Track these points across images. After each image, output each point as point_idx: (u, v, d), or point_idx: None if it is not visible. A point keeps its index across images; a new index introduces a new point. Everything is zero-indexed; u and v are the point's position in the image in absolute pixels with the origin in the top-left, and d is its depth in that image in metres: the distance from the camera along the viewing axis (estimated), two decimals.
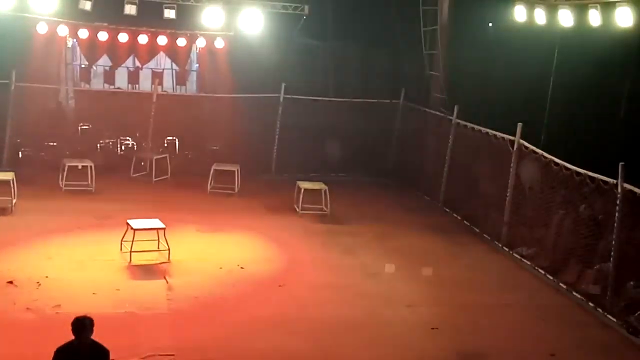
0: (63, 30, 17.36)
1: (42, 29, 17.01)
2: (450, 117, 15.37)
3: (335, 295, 10.38)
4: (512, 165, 13.00)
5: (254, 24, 17.04)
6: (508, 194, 13.06)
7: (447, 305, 10.30)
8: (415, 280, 11.19)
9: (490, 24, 18.68)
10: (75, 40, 18.71)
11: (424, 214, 15.03)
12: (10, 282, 9.84)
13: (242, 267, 11.17)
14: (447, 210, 15.20)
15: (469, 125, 14.67)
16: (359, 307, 10.04)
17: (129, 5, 16.17)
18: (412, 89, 17.75)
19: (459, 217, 14.68)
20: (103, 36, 17.47)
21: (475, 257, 12.65)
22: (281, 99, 17.15)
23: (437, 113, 16.39)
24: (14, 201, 13.15)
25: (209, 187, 15.35)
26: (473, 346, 9.05)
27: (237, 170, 15.54)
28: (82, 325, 6.10)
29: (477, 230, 13.85)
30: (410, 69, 18.24)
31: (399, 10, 18.21)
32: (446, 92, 16.63)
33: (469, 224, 14.23)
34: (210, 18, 16.74)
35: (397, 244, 12.89)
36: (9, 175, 13.39)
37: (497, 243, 13.16)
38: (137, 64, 19.30)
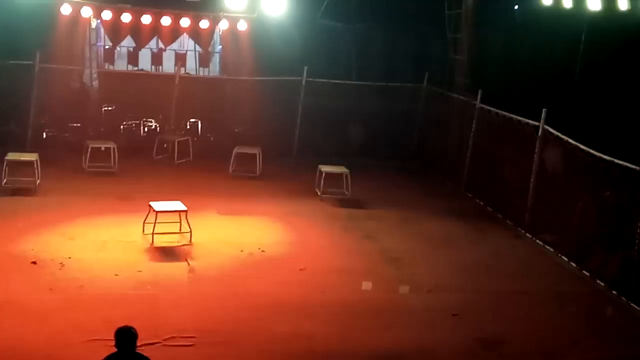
0: (87, 12, 17.42)
1: (66, 10, 17.08)
2: (474, 102, 15.21)
3: (356, 279, 10.36)
4: (536, 150, 12.85)
5: (277, 6, 16.95)
6: (532, 180, 12.92)
7: (468, 291, 10.24)
8: (436, 265, 11.14)
9: (516, 7, 18.46)
10: (99, 21, 18.76)
11: (447, 198, 14.94)
12: (34, 263, 9.94)
13: (263, 250, 11.18)
14: (470, 195, 15.09)
15: (493, 110, 14.51)
16: (380, 291, 10.02)
17: None
18: (435, 72, 17.58)
19: (481, 203, 14.57)
20: (126, 18, 17.50)
21: (498, 242, 12.56)
22: (303, 82, 17.09)
23: (461, 97, 16.23)
24: (37, 182, 13.26)
25: (230, 169, 15.37)
26: (494, 333, 8.99)
27: (259, 153, 15.54)
28: (132, 335, 5.77)
29: (500, 216, 13.74)
30: (434, 53, 18.09)
31: None
32: (470, 76, 16.46)
33: (491, 210, 14.12)
34: (233, 0, 16.69)
35: (418, 229, 12.82)
36: (33, 156, 13.49)
37: (519, 229, 13.04)
38: (161, 45, 19.32)
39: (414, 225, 13.04)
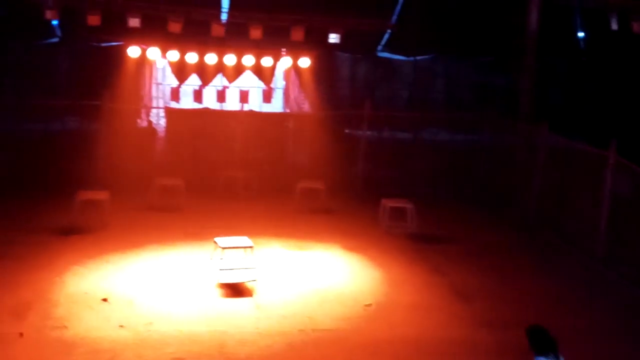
0: (154, 53, 17.91)
1: (133, 52, 17.61)
2: (540, 131, 14.89)
3: (425, 315, 10.16)
4: (607, 180, 12.46)
5: (338, 41, 17.08)
6: (604, 210, 12.51)
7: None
8: (508, 300, 10.83)
9: (581, 34, 18.12)
10: (165, 61, 19.26)
11: (515, 231, 14.58)
12: (104, 300, 10.10)
13: (328, 286, 11.09)
14: (539, 227, 14.66)
15: (560, 138, 14.18)
16: (450, 328, 9.78)
17: (217, 27, 16.58)
18: (499, 102, 17.36)
19: (552, 234, 14.13)
20: (192, 57, 17.92)
21: (569, 275, 12.14)
22: (366, 115, 17.09)
23: (526, 126, 15.93)
24: (107, 219, 13.54)
25: (294, 204, 15.39)
26: None
27: (322, 187, 15.54)
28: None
29: (572, 248, 13.32)
30: (498, 82, 17.87)
31: (485, 22, 17.90)
32: (535, 105, 16.17)
33: (562, 241, 13.70)
34: (296, 36, 16.90)
35: (487, 263, 12.53)
36: (102, 194, 13.82)
37: (591, 261, 12.60)
38: (225, 83, 19.68)
39: (482, 258, 12.76)
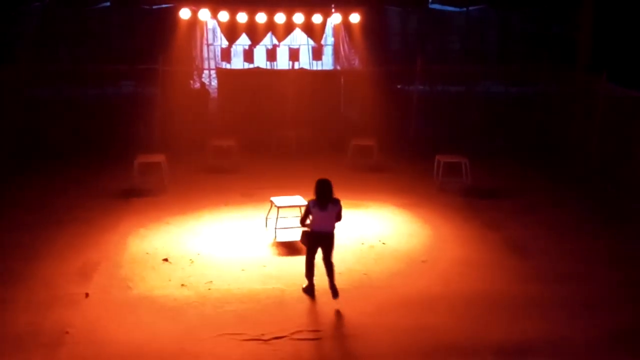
0: (204, 14, 17.99)
1: (185, 14, 17.72)
2: (599, 81, 14.49)
3: (480, 270, 10.17)
4: None
5: None
6: None
7: (601, 281, 9.79)
8: (565, 254, 10.73)
9: None
10: (215, 22, 19.35)
11: (573, 184, 14.36)
12: (165, 260, 10.39)
13: (384, 243, 11.18)
14: (600, 180, 14.39)
15: (620, 88, 13.78)
16: (505, 282, 9.78)
17: None
18: (555, 52, 16.91)
19: (612, 187, 13.87)
20: (242, 17, 17.94)
21: (635, 229, 11.91)
22: (417, 70, 16.89)
23: (585, 77, 15.52)
24: (165, 181, 13.85)
25: (347, 162, 15.44)
26: (630, 326, 8.57)
27: (375, 144, 15.52)
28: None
29: (632, 202, 13.04)
30: (553, 31, 17.38)
31: None
32: (594, 54, 15.70)
33: (624, 194, 13.43)
34: None
35: (543, 217, 12.41)
36: (159, 157, 14.11)
37: None
38: (275, 41, 19.68)
39: (538, 213, 12.64)
